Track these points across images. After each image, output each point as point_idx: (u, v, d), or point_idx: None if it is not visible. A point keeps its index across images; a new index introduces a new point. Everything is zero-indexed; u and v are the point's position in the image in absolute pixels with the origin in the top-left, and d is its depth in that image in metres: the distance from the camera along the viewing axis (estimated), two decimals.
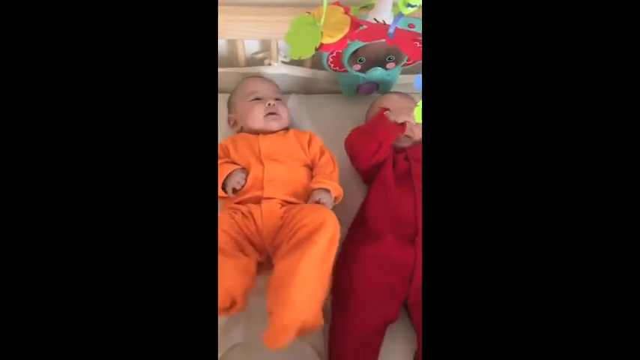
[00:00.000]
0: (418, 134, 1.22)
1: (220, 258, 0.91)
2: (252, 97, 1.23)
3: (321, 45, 1.01)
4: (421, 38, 0.97)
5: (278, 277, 0.93)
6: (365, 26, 0.99)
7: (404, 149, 1.20)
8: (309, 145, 1.20)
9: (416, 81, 0.84)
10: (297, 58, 1.04)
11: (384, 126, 1.15)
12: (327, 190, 1.10)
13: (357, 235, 1.12)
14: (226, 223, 1.01)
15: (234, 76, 1.34)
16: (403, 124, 1.15)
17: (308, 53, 1.02)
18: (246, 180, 1.10)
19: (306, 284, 0.91)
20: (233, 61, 1.37)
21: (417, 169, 1.12)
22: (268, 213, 1.04)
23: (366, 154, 1.15)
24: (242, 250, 1.01)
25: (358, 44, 1.20)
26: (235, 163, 1.14)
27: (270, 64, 1.36)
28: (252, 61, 1.39)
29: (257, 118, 1.21)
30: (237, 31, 1.25)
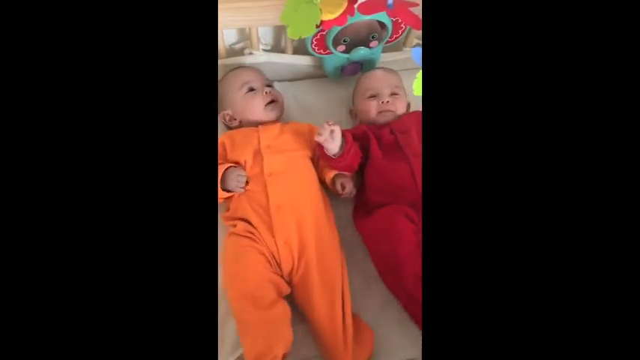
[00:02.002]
0: (401, 109, 1.24)
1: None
2: (246, 88, 1.19)
3: (322, 22, 0.99)
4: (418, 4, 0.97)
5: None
6: None
7: (387, 124, 1.21)
8: (309, 136, 1.18)
9: (414, 54, 0.84)
10: (296, 39, 1.01)
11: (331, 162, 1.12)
12: (345, 175, 1.12)
13: (362, 211, 1.14)
14: (259, 262, 0.98)
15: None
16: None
17: (308, 32, 1.00)
18: (244, 176, 1.06)
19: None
20: None
21: (404, 140, 1.14)
22: (283, 245, 1.00)
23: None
24: (276, 288, 0.98)
25: (337, 28, 1.19)
26: (232, 162, 1.11)
27: (251, 53, 1.31)
28: (231, 52, 1.34)
29: (257, 109, 1.18)
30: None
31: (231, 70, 1.25)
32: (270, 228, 1.00)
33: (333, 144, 1.04)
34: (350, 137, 1.09)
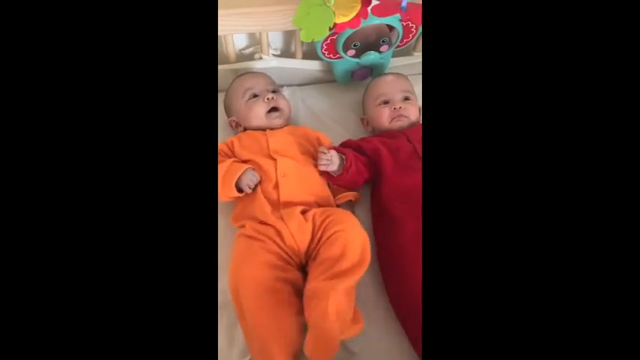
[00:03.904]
0: (414, 114, 1.22)
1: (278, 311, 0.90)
2: (249, 94, 1.18)
3: (335, 25, 0.98)
4: None
5: (312, 299, 0.91)
6: (377, 1, 0.98)
7: (402, 132, 1.19)
8: (318, 145, 1.18)
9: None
10: (309, 41, 1.00)
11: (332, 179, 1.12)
12: (351, 201, 1.13)
13: (382, 226, 1.11)
14: (268, 262, 0.95)
15: (226, 73, 1.28)
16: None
17: (322, 35, 1.00)
18: (259, 178, 1.07)
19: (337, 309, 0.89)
20: (222, 59, 1.30)
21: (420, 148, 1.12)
22: (297, 229, 0.99)
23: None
24: (291, 284, 0.96)
25: (350, 30, 1.18)
26: (243, 161, 1.11)
27: (260, 58, 1.31)
28: (241, 57, 1.34)
29: (259, 116, 1.17)
30: (222, 27, 1.19)
31: (238, 76, 1.25)
32: (281, 218, 1.00)
33: (333, 167, 1.06)
34: (351, 155, 1.08)
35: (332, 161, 1.05)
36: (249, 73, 1.26)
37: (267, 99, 1.16)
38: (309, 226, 0.99)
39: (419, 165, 1.09)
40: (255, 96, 1.17)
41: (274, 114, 1.17)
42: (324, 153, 1.04)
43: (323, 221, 0.99)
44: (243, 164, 1.07)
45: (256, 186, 1.06)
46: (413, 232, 0.98)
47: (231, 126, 1.23)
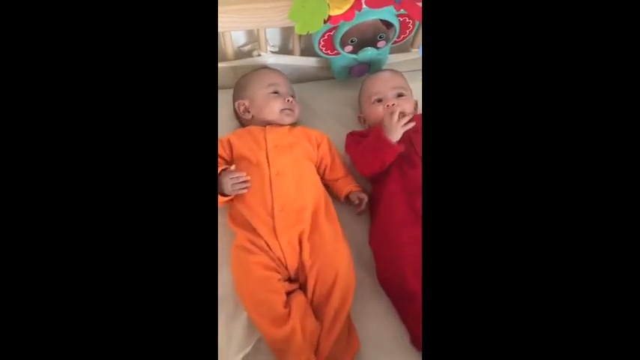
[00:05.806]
0: (409, 109, 1.22)
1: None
2: (272, 89, 1.21)
3: (329, 17, 0.99)
4: None
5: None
6: None
7: None
8: (318, 146, 1.20)
9: (422, 53, 0.84)
10: (304, 34, 1.01)
11: (386, 148, 1.10)
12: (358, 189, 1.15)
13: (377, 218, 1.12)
14: (265, 279, 0.97)
15: (225, 70, 1.29)
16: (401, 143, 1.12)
17: (316, 27, 1.00)
18: (238, 177, 1.05)
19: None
20: (220, 56, 1.32)
21: (417, 139, 1.13)
22: (287, 245, 1.00)
23: (371, 171, 1.14)
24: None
25: (346, 25, 1.19)
26: (238, 158, 1.12)
27: (259, 55, 1.32)
28: (240, 54, 1.35)
29: (274, 111, 1.20)
30: (220, 24, 1.20)
31: (264, 68, 1.28)
32: (273, 230, 1.00)
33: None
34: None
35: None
36: (276, 70, 1.29)
37: (288, 100, 1.21)
38: (297, 246, 1.00)
39: (412, 154, 1.11)
40: (276, 92, 1.21)
41: (287, 111, 1.21)
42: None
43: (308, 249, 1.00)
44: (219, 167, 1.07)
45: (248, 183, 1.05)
46: (400, 216, 0.99)
47: (239, 109, 1.24)
